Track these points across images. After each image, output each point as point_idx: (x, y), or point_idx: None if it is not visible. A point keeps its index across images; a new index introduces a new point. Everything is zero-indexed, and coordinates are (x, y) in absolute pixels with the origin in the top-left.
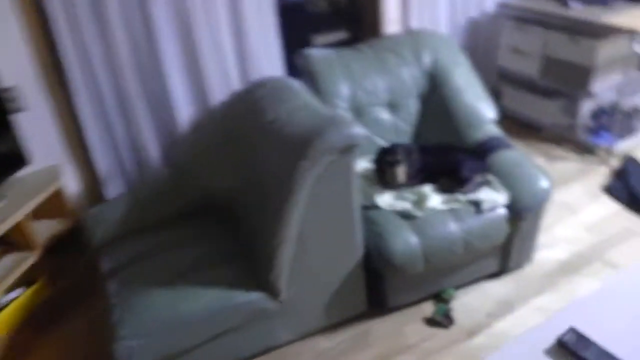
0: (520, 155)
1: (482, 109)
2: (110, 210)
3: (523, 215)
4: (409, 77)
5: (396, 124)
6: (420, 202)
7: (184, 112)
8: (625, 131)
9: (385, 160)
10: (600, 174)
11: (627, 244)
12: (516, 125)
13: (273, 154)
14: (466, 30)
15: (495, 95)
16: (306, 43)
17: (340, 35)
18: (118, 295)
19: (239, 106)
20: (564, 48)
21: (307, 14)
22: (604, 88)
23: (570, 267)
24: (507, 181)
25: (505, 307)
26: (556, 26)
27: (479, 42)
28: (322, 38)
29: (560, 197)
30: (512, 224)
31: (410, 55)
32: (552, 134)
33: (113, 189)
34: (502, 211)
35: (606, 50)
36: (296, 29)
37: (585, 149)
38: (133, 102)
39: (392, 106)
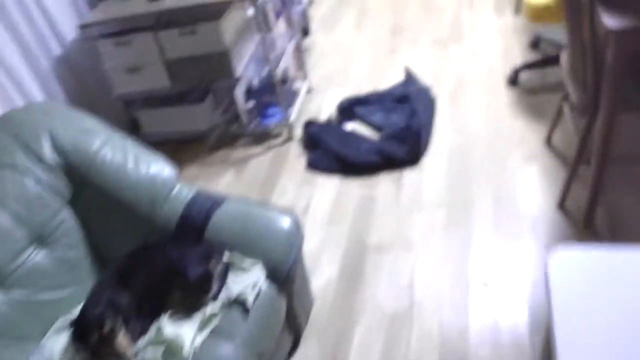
0: (238, 204)
1: (154, 175)
2: None
3: (290, 274)
4: (35, 188)
5: (64, 260)
6: (173, 351)
7: None
8: (289, 98)
9: (87, 344)
10: (295, 155)
11: (376, 215)
12: (174, 150)
13: None
14: (60, 75)
15: (133, 129)
16: None
17: None
18: None
19: None
20: (183, 44)
21: None
22: (248, 66)
23: (350, 278)
24: (248, 248)
25: None
26: (161, 25)
27: (87, 82)
28: None
29: (281, 204)
30: (284, 290)
31: (18, 155)
32: (221, 139)
33: None
34: (267, 288)
35: (229, 26)
36: None
37: (262, 137)
38: None
39: (41, 240)
